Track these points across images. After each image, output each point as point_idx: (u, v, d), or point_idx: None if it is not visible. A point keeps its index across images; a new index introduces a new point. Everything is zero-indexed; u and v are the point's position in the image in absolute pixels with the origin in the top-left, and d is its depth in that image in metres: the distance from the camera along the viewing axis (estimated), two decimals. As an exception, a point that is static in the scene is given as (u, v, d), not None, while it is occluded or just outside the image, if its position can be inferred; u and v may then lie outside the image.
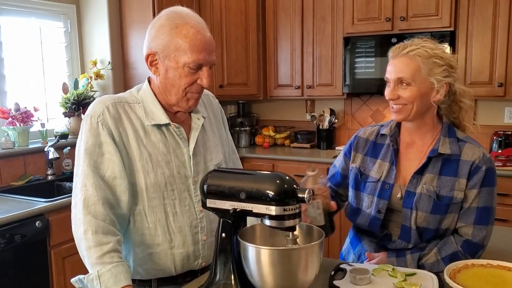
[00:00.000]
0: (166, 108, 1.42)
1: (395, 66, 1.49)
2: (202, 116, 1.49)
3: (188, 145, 1.44)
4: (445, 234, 1.53)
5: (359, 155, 1.65)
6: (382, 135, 1.63)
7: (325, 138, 4.00)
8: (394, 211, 1.56)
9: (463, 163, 1.50)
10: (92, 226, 1.27)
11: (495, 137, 3.33)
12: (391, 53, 1.53)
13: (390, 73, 1.51)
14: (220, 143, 1.57)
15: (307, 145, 4.06)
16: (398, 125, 1.62)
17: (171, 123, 1.41)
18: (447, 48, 3.22)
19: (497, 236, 1.68)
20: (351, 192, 1.66)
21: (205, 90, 1.62)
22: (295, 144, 4.13)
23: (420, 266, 1.50)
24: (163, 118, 1.40)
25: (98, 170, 1.32)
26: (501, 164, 3.02)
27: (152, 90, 1.42)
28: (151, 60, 1.36)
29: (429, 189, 1.49)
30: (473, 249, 1.50)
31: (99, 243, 1.26)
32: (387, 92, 1.52)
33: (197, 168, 1.44)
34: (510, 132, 3.33)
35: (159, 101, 1.41)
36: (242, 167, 1.72)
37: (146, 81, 1.45)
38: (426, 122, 1.54)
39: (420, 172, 1.52)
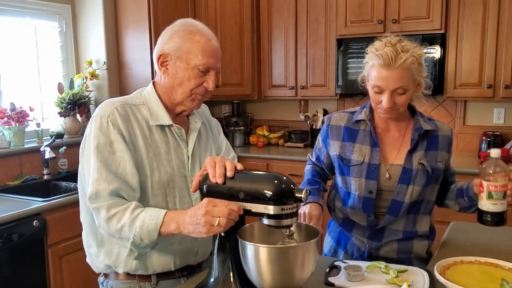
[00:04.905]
0: (169, 110, 1.49)
1: (392, 78, 1.50)
2: (199, 120, 1.57)
3: (187, 146, 1.50)
4: (421, 203, 1.66)
5: (336, 142, 1.71)
6: (357, 121, 1.69)
7: (318, 138, 4.04)
8: (381, 191, 1.64)
9: (442, 138, 1.67)
10: (108, 207, 1.31)
11: (484, 138, 3.40)
12: (381, 61, 1.49)
13: (387, 83, 1.51)
14: (214, 148, 1.64)
15: (301, 145, 4.10)
16: (372, 110, 1.68)
17: (173, 124, 1.47)
18: (437, 50, 3.29)
19: (484, 233, 1.74)
20: (339, 178, 1.74)
21: None
22: (288, 144, 4.17)
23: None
24: (167, 119, 1.46)
25: (110, 167, 1.34)
26: (490, 164, 3.07)
27: (157, 92, 1.49)
28: (162, 60, 1.44)
29: (424, 164, 1.62)
30: None
31: (124, 209, 1.31)
32: (384, 101, 1.52)
33: (194, 168, 1.50)
34: (498, 133, 3.40)
35: (162, 102, 1.47)
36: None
37: (151, 83, 1.52)
38: (404, 111, 1.64)
39: (413, 150, 1.63)
